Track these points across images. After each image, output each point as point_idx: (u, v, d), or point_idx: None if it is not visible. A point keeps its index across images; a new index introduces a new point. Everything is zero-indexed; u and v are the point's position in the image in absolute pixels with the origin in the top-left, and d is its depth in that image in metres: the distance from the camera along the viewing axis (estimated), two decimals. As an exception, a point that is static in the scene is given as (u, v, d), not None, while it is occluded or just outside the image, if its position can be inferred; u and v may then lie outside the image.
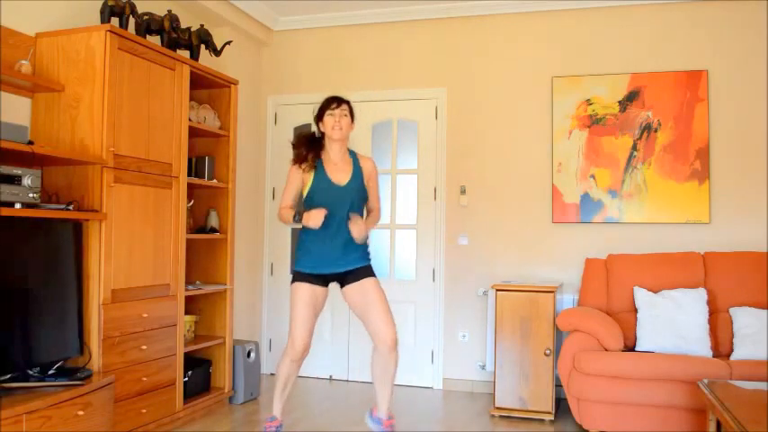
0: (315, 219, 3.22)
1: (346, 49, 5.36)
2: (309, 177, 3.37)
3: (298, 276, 3.39)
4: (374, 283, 3.38)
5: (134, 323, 3.54)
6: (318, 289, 3.39)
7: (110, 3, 3.52)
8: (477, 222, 5.02)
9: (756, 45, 4.54)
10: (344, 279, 3.41)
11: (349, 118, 3.40)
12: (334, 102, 3.39)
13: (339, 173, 3.39)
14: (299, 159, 3.40)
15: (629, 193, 4.70)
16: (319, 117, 3.42)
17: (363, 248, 3.44)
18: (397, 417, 4.26)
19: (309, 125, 5.42)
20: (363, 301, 3.36)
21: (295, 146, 3.47)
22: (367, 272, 3.41)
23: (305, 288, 3.36)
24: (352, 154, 3.49)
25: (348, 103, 3.43)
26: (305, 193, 3.40)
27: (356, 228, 3.28)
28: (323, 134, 3.44)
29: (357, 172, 3.41)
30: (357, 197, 3.40)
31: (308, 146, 3.42)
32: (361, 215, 3.43)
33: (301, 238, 3.42)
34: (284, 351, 3.44)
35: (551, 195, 4.86)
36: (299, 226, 3.35)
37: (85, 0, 3.71)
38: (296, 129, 5.49)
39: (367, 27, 5.30)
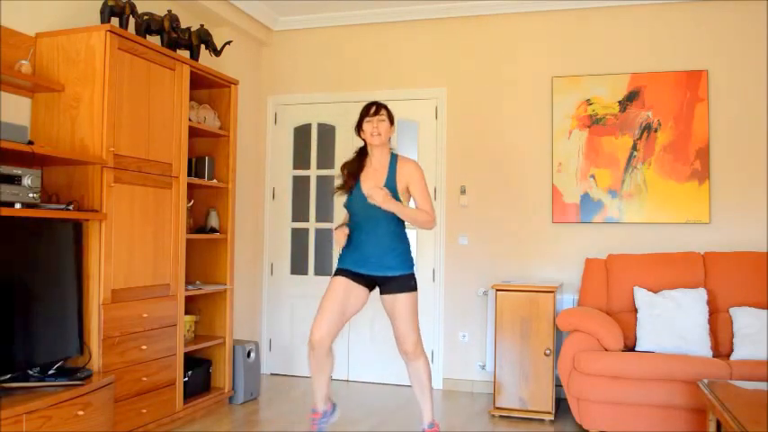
0: (336, 240, 3.39)
1: (346, 49, 5.36)
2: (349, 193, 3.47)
3: (338, 271, 3.44)
4: (406, 301, 3.36)
5: (134, 323, 3.54)
6: (355, 286, 3.37)
7: (110, 3, 3.51)
8: (477, 222, 5.02)
9: (756, 45, 4.54)
10: (383, 286, 3.40)
11: (387, 122, 3.40)
12: (372, 108, 3.40)
13: (373, 180, 3.38)
14: (343, 187, 3.46)
15: (629, 193, 4.70)
16: (359, 126, 3.44)
17: (402, 255, 3.39)
18: (397, 417, 4.27)
19: (309, 125, 5.47)
20: (391, 312, 3.40)
21: (342, 170, 3.51)
22: (403, 286, 3.36)
23: (338, 280, 3.38)
24: (393, 159, 3.44)
25: (385, 107, 3.43)
26: (345, 203, 3.49)
27: (376, 192, 3.20)
28: (365, 144, 3.47)
29: (390, 179, 3.37)
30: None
31: (352, 165, 3.46)
32: (395, 221, 3.37)
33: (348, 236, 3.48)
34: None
35: (551, 195, 4.86)
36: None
37: (85, 0, 3.71)
38: (296, 129, 5.49)
39: (367, 27, 5.30)
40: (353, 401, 4.62)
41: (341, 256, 3.48)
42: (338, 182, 3.52)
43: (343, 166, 3.52)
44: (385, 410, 4.42)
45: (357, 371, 5.22)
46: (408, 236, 3.52)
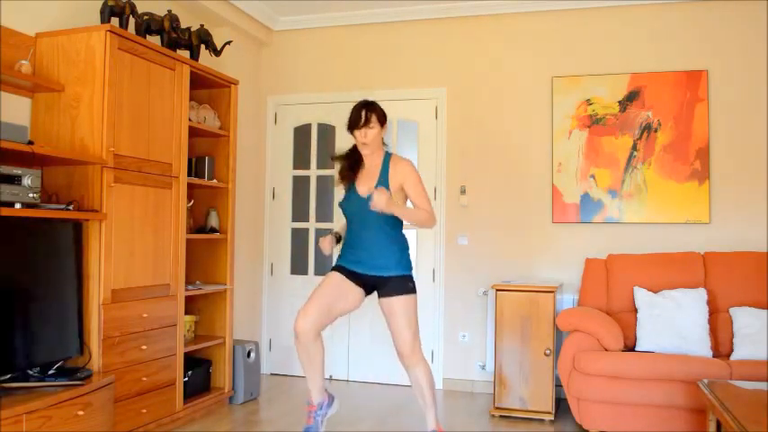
0: (321, 246, 3.42)
1: (346, 49, 5.36)
2: (342, 189, 3.50)
3: (335, 267, 3.44)
4: (402, 304, 3.33)
5: (134, 323, 3.54)
6: (350, 284, 3.35)
7: (110, 3, 3.51)
8: (477, 222, 5.02)
9: (756, 45, 4.54)
10: (380, 289, 3.38)
11: (377, 129, 3.36)
12: (361, 114, 3.33)
13: (367, 182, 3.38)
14: (341, 177, 3.47)
15: (629, 193, 4.70)
16: (350, 130, 3.42)
17: (399, 255, 3.37)
18: (397, 417, 4.27)
19: (309, 125, 5.47)
20: (388, 316, 3.38)
21: (335, 162, 3.54)
22: (399, 288, 3.33)
23: (333, 275, 3.38)
24: (386, 158, 3.42)
25: (375, 111, 3.36)
26: (340, 203, 3.50)
27: (378, 195, 3.14)
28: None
29: (383, 179, 3.36)
30: None
31: (347, 161, 3.46)
32: (390, 223, 3.35)
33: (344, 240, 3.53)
34: None
35: (551, 195, 4.86)
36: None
37: (85, 0, 3.71)
38: (296, 129, 5.49)
39: (367, 27, 5.30)
40: (353, 401, 4.62)
41: (341, 253, 3.48)
42: (338, 169, 3.50)
43: (338, 159, 3.50)
44: (385, 410, 4.42)
45: (357, 371, 5.22)
46: (408, 237, 3.50)
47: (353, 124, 3.36)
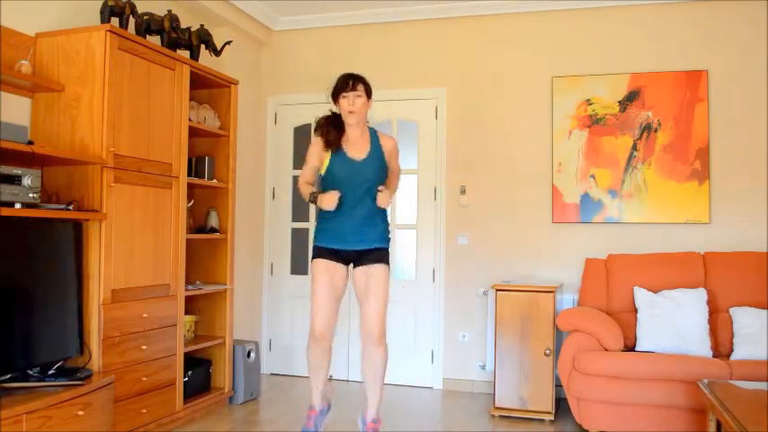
0: (328, 201, 3.24)
1: (346, 49, 5.36)
2: (327, 156, 3.33)
3: (315, 252, 3.38)
4: (382, 271, 3.31)
5: (134, 323, 3.54)
6: (336, 266, 3.32)
7: (110, 3, 3.51)
8: (477, 222, 5.02)
9: (756, 45, 4.54)
10: (359, 260, 3.34)
11: (364, 97, 3.29)
12: (348, 83, 3.27)
13: (357, 149, 3.33)
14: (324, 136, 3.32)
15: (629, 193, 4.70)
16: (334, 98, 3.33)
17: (382, 228, 3.38)
18: (397, 417, 4.26)
19: (309, 125, 5.46)
20: (365, 286, 3.32)
21: (318, 127, 3.38)
22: (379, 257, 3.33)
23: (321, 266, 3.32)
24: (373, 132, 3.40)
25: (363, 80, 3.32)
26: (322, 172, 3.36)
27: (382, 196, 3.28)
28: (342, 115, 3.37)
29: (376, 148, 3.34)
30: (375, 173, 3.32)
31: (333, 125, 3.34)
32: (376, 190, 3.35)
33: (320, 213, 3.38)
34: (309, 335, 3.37)
35: (551, 195, 4.86)
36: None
37: (85, 0, 3.71)
38: (296, 129, 5.49)
39: (367, 27, 5.30)
40: (353, 401, 4.61)
41: (317, 231, 3.40)
42: (321, 131, 3.35)
43: (324, 124, 3.35)
44: (385, 410, 4.41)
45: (357, 371, 5.21)
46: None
47: (340, 89, 3.28)
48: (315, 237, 3.42)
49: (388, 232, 3.44)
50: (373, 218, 3.35)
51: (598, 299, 4.38)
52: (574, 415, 3.87)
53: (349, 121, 3.29)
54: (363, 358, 3.38)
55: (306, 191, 3.40)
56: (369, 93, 3.33)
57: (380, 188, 3.32)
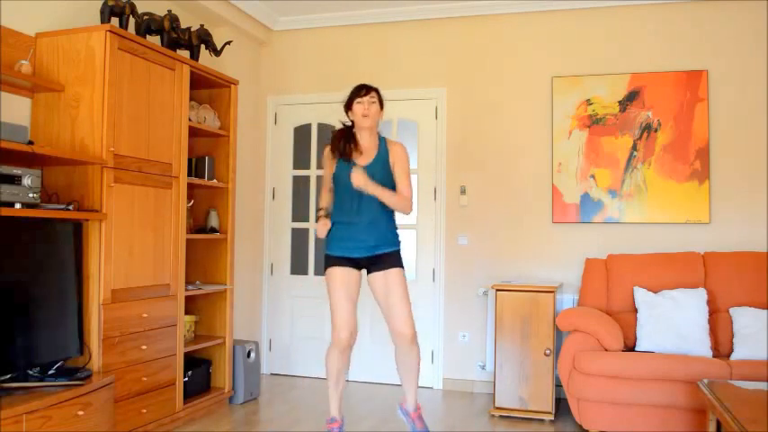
0: (319, 231, 3.40)
1: (346, 49, 5.36)
2: (335, 163, 3.44)
3: (327, 261, 3.45)
4: (398, 275, 3.39)
5: (134, 323, 3.54)
6: (350, 271, 3.39)
7: (110, 3, 3.52)
8: (477, 222, 5.02)
9: (756, 45, 4.54)
10: (371, 265, 3.41)
11: (378, 105, 3.42)
12: (363, 89, 3.41)
13: (364, 156, 3.41)
14: (337, 150, 3.41)
15: (629, 193, 4.70)
16: (348, 106, 3.44)
17: (391, 231, 3.45)
18: (396, 417, 4.26)
19: (309, 125, 5.47)
20: (386, 293, 3.38)
21: (333, 139, 3.48)
22: (393, 261, 3.40)
23: (336, 273, 3.39)
24: (382, 139, 3.48)
25: (377, 90, 3.45)
26: (334, 175, 3.45)
27: (355, 175, 3.26)
28: (353, 123, 3.46)
29: (382, 154, 3.41)
30: (379, 178, 3.36)
31: (346, 139, 3.43)
32: None
33: (331, 221, 3.48)
34: (330, 343, 3.43)
35: (551, 195, 4.86)
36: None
37: (85, 0, 3.71)
38: (296, 129, 5.49)
39: (367, 27, 5.30)
40: (353, 401, 4.62)
41: (329, 240, 3.46)
42: (334, 146, 3.44)
43: (338, 137, 3.44)
44: (385, 410, 4.41)
45: (357, 371, 5.21)
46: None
47: (354, 96, 3.40)
48: (327, 245, 3.48)
49: (397, 234, 3.51)
50: (381, 221, 3.42)
51: (598, 299, 4.38)
52: (574, 415, 3.87)
53: (363, 124, 3.39)
54: (397, 356, 3.49)
55: (324, 197, 3.52)
56: (381, 102, 3.47)
57: (356, 168, 3.29)
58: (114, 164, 3.41)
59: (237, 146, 4.68)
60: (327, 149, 3.50)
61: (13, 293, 2.96)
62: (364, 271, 3.49)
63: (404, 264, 3.48)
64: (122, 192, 3.47)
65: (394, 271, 3.38)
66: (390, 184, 3.42)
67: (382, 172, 3.39)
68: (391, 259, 3.40)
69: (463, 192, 5.04)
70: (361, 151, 3.41)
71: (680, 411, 3.61)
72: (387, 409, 4.46)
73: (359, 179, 3.25)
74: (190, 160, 4.20)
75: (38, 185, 3.02)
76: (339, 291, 3.35)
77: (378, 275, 3.39)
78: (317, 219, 3.51)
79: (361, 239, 3.37)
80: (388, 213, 3.46)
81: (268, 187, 5.51)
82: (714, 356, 3.89)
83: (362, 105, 3.37)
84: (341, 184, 3.41)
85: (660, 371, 3.63)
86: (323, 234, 3.40)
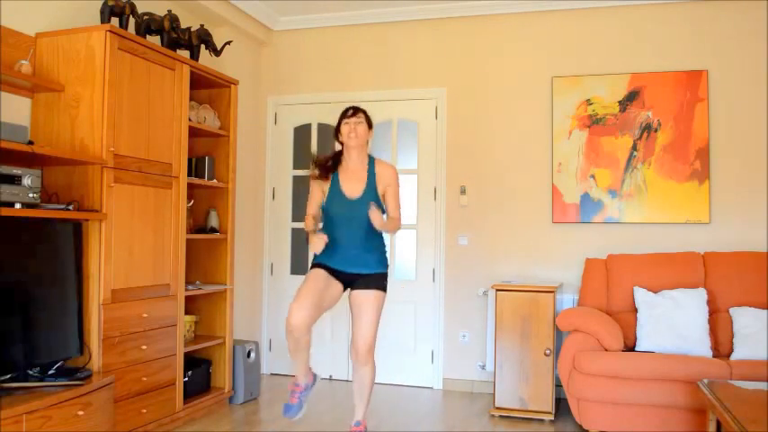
0: (315, 246, 3.33)
1: (346, 49, 5.36)
2: (326, 188, 3.46)
3: (314, 264, 3.46)
4: (377, 298, 3.41)
5: (134, 323, 3.54)
6: (332, 280, 3.41)
7: (110, 3, 3.52)
8: (477, 222, 5.02)
9: (756, 45, 4.54)
10: (356, 283, 3.44)
11: (365, 125, 3.45)
12: (350, 110, 3.46)
13: (353, 184, 3.42)
14: (323, 168, 3.47)
15: (629, 193, 4.70)
16: (337, 128, 3.49)
17: (380, 253, 3.48)
18: (397, 417, 4.27)
19: (309, 125, 5.47)
20: (359, 311, 3.43)
21: (316, 161, 3.52)
22: (377, 283, 3.43)
23: (317, 272, 3.40)
24: (371, 161, 3.50)
25: (364, 112, 3.49)
26: (323, 205, 3.48)
27: (374, 215, 3.27)
28: (342, 148, 3.50)
29: (371, 182, 3.43)
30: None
31: (324, 164, 3.47)
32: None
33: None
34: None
35: (551, 195, 4.86)
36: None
37: (85, 0, 3.71)
38: (296, 129, 5.49)
39: (367, 27, 5.30)
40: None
41: (320, 254, 3.43)
42: (314, 171, 3.49)
43: (317, 163, 3.49)
44: (385, 410, 4.41)
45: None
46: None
47: (341, 118, 3.45)
48: (316, 256, 3.46)
49: (386, 258, 3.54)
50: (373, 243, 3.45)
51: (598, 299, 4.38)
52: (574, 415, 3.87)
53: (350, 143, 3.42)
54: (353, 374, 3.55)
55: (309, 222, 3.46)
56: (369, 122, 3.50)
57: (373, 206, 3.29)
58: (114, 164, 3.41)
59: (237, 146, 4.68)
60: (316, 176, 3.47)
61: (14, 293, 2.96)
62: (346, 293, 3.50)
63: (386, 289, 3.47)
64: (122, 192, 3.47)
65: (373, 293, 3.41)
66: (380, 205, 3.45)
67: (373, 195, 3.41)
68: (376, 281, 3.43)
69: (463, 192, 5.04)
70: (352, 171, 3.44)
71: (680, 411, 3.61)
72: (387, 409, 4.46)
73: (378, 221, 3.27)
74: (190, 160, 4.20)
75: (38, 185, 3.02)
76: (312, 286, 3.33)
77: (358, 293, 3.43)
78: (308, 236, 3.39)
79: (351, 259, 3.41)
80: (378, 236, 3.49)
81: (268, 187, 5.51)
82: (714, 356, 3.89)
83: (349, 126, 3.41)
84: (330, 217, 3.45)
85: (660, 371, 3.63)
86: (320, 248, 3.31)
